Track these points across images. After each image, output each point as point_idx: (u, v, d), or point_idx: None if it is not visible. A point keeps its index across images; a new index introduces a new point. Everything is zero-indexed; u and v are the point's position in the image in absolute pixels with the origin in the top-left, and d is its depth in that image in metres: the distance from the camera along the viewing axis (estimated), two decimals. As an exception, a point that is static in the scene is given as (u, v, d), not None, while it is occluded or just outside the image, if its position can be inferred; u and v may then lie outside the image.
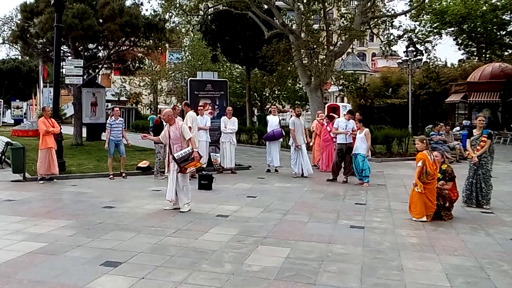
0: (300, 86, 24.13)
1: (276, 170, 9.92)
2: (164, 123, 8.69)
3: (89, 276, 3.60)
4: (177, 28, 19.46)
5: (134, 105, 38.92)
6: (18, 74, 36.40)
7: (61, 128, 8.92)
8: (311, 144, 10.63)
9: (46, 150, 8.10)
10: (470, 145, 6.50)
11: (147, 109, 41.51)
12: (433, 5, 23.79)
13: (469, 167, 6.55)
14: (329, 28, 15.84)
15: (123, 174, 8.84)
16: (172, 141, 5.93)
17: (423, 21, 24.88)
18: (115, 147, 8.78)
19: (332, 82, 21.28)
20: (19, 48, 19.13)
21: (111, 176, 8.76)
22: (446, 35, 25.99)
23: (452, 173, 5.91)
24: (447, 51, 73.95)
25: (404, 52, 20.77)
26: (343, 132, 8.63)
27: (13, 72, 36.19)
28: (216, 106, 10.74)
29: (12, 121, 31.86)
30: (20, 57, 36.47)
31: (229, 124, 9.67)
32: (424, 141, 5.77)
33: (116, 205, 6.32)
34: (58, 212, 5.92)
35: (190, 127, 8.24)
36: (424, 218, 5.51)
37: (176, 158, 5.77)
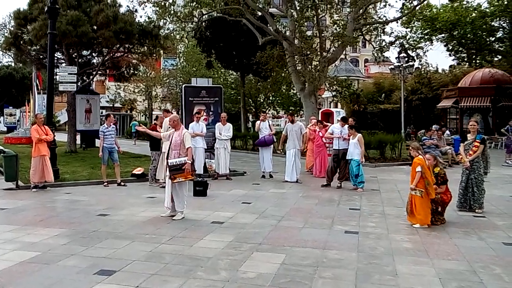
0: (294, 92, 24.27)
1: (270, 176, 9.95)
2: (160, 128, 8.74)
3: (83, 285, 3.58)
4: (172, 34, 19.51)
5: (128, 111, 38.79)
6: (11, 81, 36.13)
7: (54, 136, 8.87)
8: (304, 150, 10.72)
9: (39, 158, 8.04)
10: (463, 150, 6.59)
11: (142, 116, 41.42)
12: (424, 12, 24.21)
13: (461, 172, 6.64)
14: (322, 35, 16.02)
15: (122, 183, 8.78)
16: (172, 146, 5.91)
17: (414, 28, 25.29)
18: (108, 155, 8.74)
19: (325, 88, 21.44)
20: (12, 55, 19.05)
21: (106, 183, 8.72)
22: (437, 42, 26.42)
23: (445, 176, 5.97)
24: (438, 57, 75.15)
25: (396, 58, 21.05)
26: (336, 136, 8.76)
27: (6, 79, 35.92)
28: (210, 112, 10.78)
29: (5, 129, 31.57)
30: (13, 64, 36.26)
31: (224, 130, 9.71)
32: (420, 151, 5.78)
33: (111, 212, 6.29)
34: (51, 220, 5.87)
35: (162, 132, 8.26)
36: (426, 226, 5.48)
37: (169, 164, 5.76)
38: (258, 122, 10.67)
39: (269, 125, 10.27)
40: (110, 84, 37.01)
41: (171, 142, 5.92)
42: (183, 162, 5.74)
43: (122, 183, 8.79)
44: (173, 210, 5.99)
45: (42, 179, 8.13)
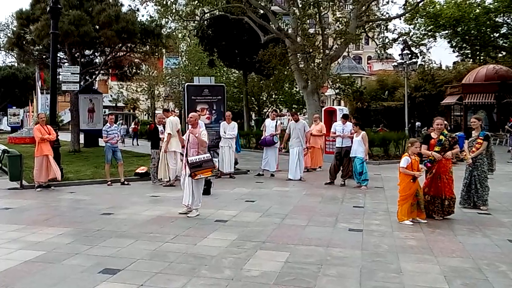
0: (297, 90, 24.22)
1: (272, 175, 9.93)
2: (161, 126, 8.76)
3: (87, 284, 3.59)
4: (174, 33, 19.54)
5: (131, 110, 38.91)
6: (14, 81, 36.34)
7: (58, 135, 8.90)
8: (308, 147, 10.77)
9: (42, 158, 8.07)
10: (467, 147, 6.57)
11: (145, 115, 41.53)
12: (427, 9, 24.04)
13: (465, 169, 6.61)
14: (325, 32, 15.92)
15: (125, 182, 8.80)
16: (190, 144, 6.00)
17: (417, 24, 25.12)
18: (112, 154, 8.76)
19: (328, 86, 21.38)
20: (15, 55, 19.17)
21: (109, 182, 8.75)
22: (441, 38, 26.25)
23: (454, 138, 5.89)
24: (441, 53, 74.90)
25: (399, 55, 20.90)
26: (340, 136, 8.75)
27: (10, 79, 36.13)
28: (213, 111, 10.77)
29: (9, 128, 31.76)
30: (16, 64, 36.46)
31: (228, 129, 9.71)
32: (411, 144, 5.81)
33: (115, 211, 6.31)
34: (56, 219, 5.89)
35: (173, 132, 8.32)
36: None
37: (189, 162, 5.84)
38: (268, 120, 10.61)
39: (275, 125, 10.17)
40: (112, 84, 37.10)
41: (188, 141, 6.01)
42: (203, 159, 5.86)
43: (126, 182, 8.81)
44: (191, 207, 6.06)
45: (46, 179, 8.15)
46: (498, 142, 18.63)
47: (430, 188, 5.82)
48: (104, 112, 21.03)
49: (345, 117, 9.17)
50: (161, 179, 8.66)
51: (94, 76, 17.96)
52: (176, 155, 8.49)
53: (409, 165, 5.58)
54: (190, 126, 6.13)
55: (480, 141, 6.37)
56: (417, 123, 20.27)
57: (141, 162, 11.71)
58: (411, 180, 5.56)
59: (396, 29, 17.28)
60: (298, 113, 15.70)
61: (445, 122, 15.75)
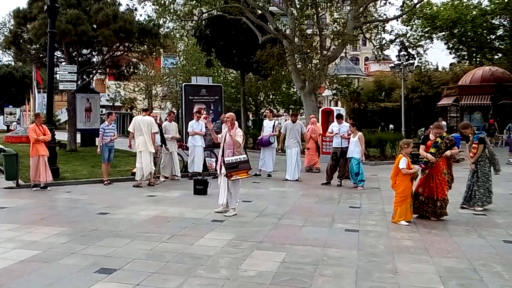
0: (295, 90, 24.26)
1: (269, 175, 9.94)
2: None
3: (83, 283, 3.58)
4: (172, 33, 19.49)
5: (129, 110, 38.77)
6: (11, 80, 36.10)
7: (54, 135, 8.84)
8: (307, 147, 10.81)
9: (37, 158, 8.01)
10: (468, 151, 6.72)
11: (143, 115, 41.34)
12: (424, 10, 24.19)
13: (469, 171, 6.71)
14: (322, 33, 15.99)
15: (106, 182, 8.69)
16: (226, 145, 6.01)
17: (414, 26, 25.28)
18: (108, 153, 8.72)
19: (326, 86, 21.45)
20: (12, 54, 19.04)
21: (106, 182, 8.72)
22: (437, 40, 26.41)
23: (452, 141, 5.94)
24: (438, 55, 75.30)
25: (396, 56, 20.98)
26: (335, 134, 8.79)
27: (6, 78, 35.90)
28: (211, 111, 10.77)
29: (5, 127, 31.56)
30: (13, 63, 36.22)
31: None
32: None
33: (111, 211, 6.29)
34: (52, 219, 5.87)
35: (140, 132, 8.37)
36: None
37: (226, 162, 5.85)
38: (266, 120, 10.61)
39: (273, 125, 10.09)
40: (110, 83, 36.98)
41: (224, 141, 6.01)
42: (239, 160, 5.85)
43: (106, 182, 8.67)
44: (226, 206, 6.10)
45: (41, 179, 8.10)
46: (494, 143, 18.72)
47: (424, 188, 5.87)
48: (101, 111, 20.94)
49: (338, 117, 9.17)
50: (159, 177, 8.61)
51: (91, 76, 17.87)
52: (141, 154, 8.42)
53: (406, 165, 5.64)
54: (202, 123, 6.06)
55: (475, 145, 6.47)
56: (391, 126, 20.77)
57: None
58: (410, 180, 5.62)
59: (393, 30, 17.42)
60: (298, 114, 15.76)
61: (444, 122, 15.81)
